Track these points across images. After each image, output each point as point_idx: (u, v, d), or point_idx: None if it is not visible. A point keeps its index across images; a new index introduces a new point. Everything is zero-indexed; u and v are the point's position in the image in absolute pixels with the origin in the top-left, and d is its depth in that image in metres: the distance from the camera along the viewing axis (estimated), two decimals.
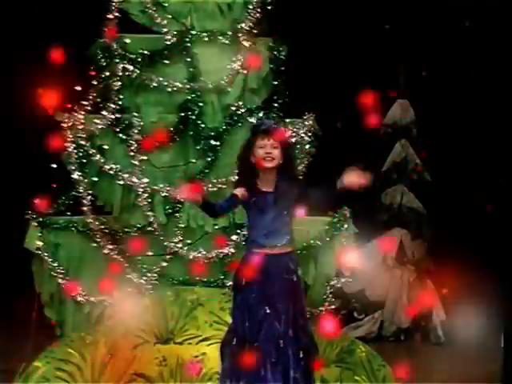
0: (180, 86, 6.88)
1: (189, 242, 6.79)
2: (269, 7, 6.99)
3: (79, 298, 6.64)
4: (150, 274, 6.71)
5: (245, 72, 6.95)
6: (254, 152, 5.33)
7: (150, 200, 6.77)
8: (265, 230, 5.27)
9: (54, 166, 6.73)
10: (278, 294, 5.20)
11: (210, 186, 6.80)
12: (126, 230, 6.76)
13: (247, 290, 5.23)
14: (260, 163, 5.30)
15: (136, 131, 6.81)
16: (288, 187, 5.32)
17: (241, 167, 5.42)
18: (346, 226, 6.83)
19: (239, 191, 5.31)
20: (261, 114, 6.90)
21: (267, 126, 5.38)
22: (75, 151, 6.75)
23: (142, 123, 6.84)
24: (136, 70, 6.86)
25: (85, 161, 6.78)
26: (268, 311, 5.16)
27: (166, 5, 7.02)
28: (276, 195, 5.30)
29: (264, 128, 5.35)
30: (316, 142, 6.89)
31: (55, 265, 6.64)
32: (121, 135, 6.82)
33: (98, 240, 6.71)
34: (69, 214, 6.78)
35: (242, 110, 6.93)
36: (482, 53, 9.75)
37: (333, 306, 6.76)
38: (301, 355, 5.18)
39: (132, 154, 6.80)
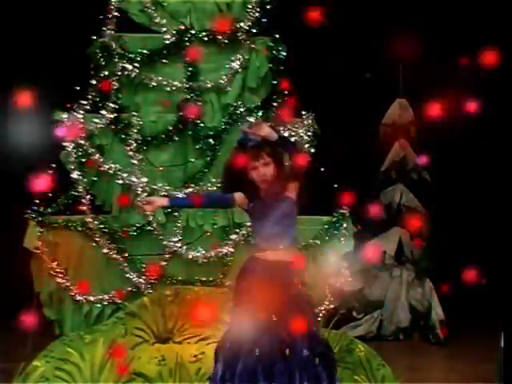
0: (179, 85, 6.89)
1: (188, 241, 6.79)
2: (268, 7, 7.00)
3: (78, 298, 6.65)
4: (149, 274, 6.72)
5: (244, 71, 6.96)
6: (249, 172, 5.22)
7: None
8: (266, 234, 5.22)
9: (54, 165, 6.73)
10: (283, 301, 5.12)
11: (209, 185, 6.80)
12: (125, 229, 6.76)
13: (249, 295, 5.19)
14: (257, 183, 5.23)
15: (135, 130, 6.81)
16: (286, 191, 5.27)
17: (237, 181, 5.26)
18: (345, 225, 6.84)
19: (238, 195, 5.30)
20: (260, 114, 6.91)
21: (252, 142, 5.17)
22: (74, 150, 6.75)
23: (141, 122, 6.85)
24: (135, 69, 6.87)
25: (84, 160, 6.78)
26: (274, 318, 5.12)
27: (165, 4, 7.03)
28: (275, 200, 5.23)
29: (251, 145, 5.16)
30: (315, 141, 6.89)
31: (54, 264, 6.64)
32: (120, 134, 6.83)
33: (97, 239, 6.71)
34: (68, 213, 6.79)
35: (241, 110, 6.93)
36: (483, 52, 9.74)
37: (332, 306, 6.76)
38: (317, 362, 5.15)
39: (131, 153, 6.80)
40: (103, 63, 6.86)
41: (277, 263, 5.21)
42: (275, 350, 5.08)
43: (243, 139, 5.24)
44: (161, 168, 6.85)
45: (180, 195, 5.80)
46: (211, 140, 6.86)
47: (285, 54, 6.98)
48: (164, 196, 5.73)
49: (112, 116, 6.84)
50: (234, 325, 5.25)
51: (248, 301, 5.16)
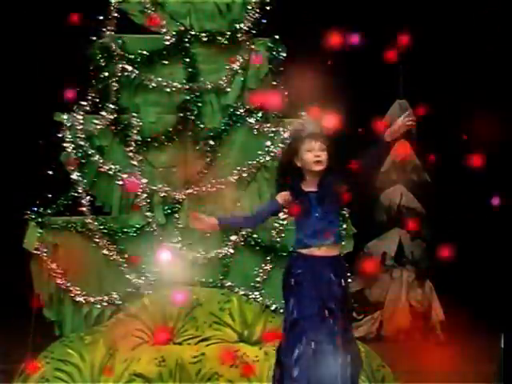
0: (179, 86, 6.89)
1: (188, 242, 6.79)
2: (268, 7, 7.00)
3: (78, 299, 6.65)
4: (149, 274, 6.71)
5: (243, 72, 6.97)
6: (300, 156, 5.25)
7: (148, 200, 6.77)
8: (310, 230, 5.20)
9: (54, 166, 6.74)
10: (329, 296, 5.13)
11: (209, 186, 6.80)
12: (125, 230, 6.76)
13: (299, 290, 5.16)
14: (309, 166, 5.22)
15: (135, 131, 6.82)
16: (331, 186, 5.26)
17: (285, 171, 5.32)
18: (344, 226, 6.84)
19: (281, 196, 5.25)
20: (260, 114, 6.91)
21: (313, 128, 5.29)
22: (74, 151, 6.76)
23: (140, 123, 6.85)
24: (135, 70, 6.87)
25: (84, 161, 6.79)
26: (327, 314, 5.09)
27: (165, 5, 7.03)
28: (320, 195, 5.23)
29: (311, 131, 5.27)
30: None
31: (54, 265, 6.64)
32: (120, 135, 6.83)
33: (97, 240, 6.71)
34: (68, 214, 6.79)
35: (241, 110, 6.93)
36: (484, 51, 9.75)
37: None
38: (348, 360, 5.13)
39: (131, 154, 6.80)
40: (103, 64, 6.86)
41: (324, 257, 5.20)
42: (330, 347, 5.07)
43: (300, 127, 5.32)
44: (161, 169, 6.86)
45: (228, 216, 5.52)
46: (211, 141, 6.86)
47: (284, 54, 6.98)
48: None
49: (112, 117, 6.84)
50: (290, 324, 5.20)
51: (301, 297, 5.14)
